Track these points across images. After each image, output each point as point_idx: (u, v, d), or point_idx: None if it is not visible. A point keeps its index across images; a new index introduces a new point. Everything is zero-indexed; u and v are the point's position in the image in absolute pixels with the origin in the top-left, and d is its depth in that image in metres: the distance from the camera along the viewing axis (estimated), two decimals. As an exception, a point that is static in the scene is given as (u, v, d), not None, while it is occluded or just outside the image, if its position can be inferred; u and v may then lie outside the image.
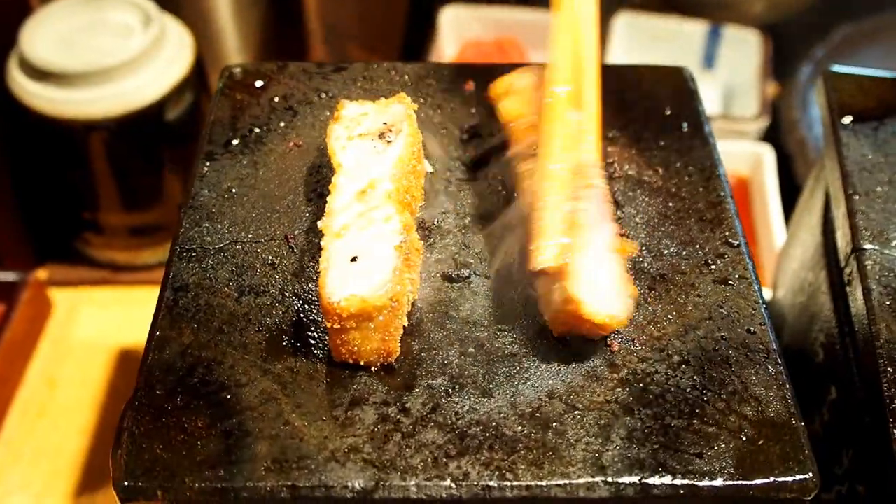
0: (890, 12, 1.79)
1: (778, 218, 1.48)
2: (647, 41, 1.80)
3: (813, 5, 1.82)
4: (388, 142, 0.84)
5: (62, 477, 1.33)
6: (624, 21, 1.81)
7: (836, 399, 0.91)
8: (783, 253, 1.24)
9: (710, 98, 1.78)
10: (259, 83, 1.02)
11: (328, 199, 0.80)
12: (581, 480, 0.68)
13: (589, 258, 0.76)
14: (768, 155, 1.57)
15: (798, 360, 1.03)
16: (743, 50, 1.77)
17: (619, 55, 1.76)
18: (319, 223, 0.79)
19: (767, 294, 1.29)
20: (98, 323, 1.52)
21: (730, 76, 1.79)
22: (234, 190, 0.90)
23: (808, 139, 1.57)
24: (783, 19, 1.83)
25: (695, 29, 1.80)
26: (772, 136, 1.64)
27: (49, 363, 1.46)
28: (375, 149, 0.83)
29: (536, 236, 0.78)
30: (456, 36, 1.84)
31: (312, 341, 0.77)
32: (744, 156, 1.59)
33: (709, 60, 1.80)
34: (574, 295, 0.73)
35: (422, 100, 1.00)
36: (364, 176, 0.81)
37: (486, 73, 0.99)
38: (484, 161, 0.94)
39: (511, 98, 0.92)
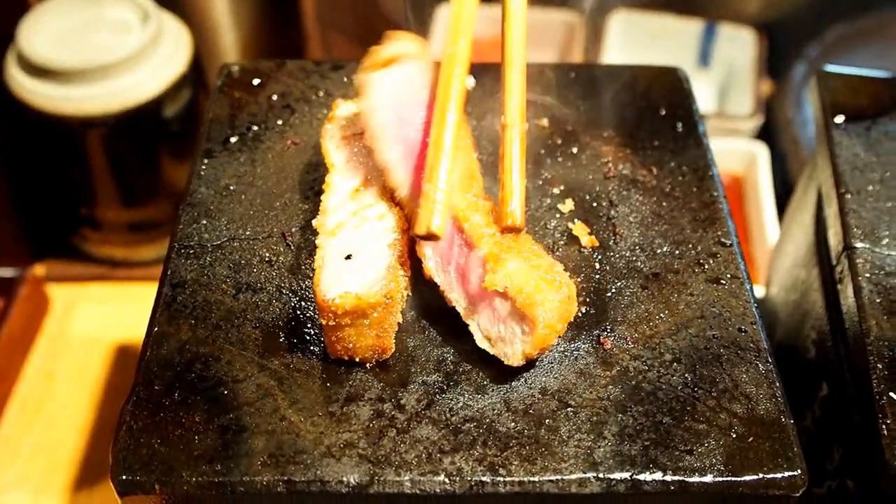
0: (884, 12, 1.79)
1: (771, 216, 1.49)
2: (643, 39, 1.80)
3: (808, 4, 1.83)
4: (382, 140, 0.84)
5: (60, 472, 1.33)
6: (620, 19, 1.81)
7: (828, 395, 0.92)
8: (776, 250, 1.25)
9: (705, 96, 1.79)
10: (257, 81, 1.03)
11: (322, 197, 0.81)
12: (573, 476, 0.69)
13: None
14: (762, 153, 1.58)
15: (790, 356, 1.04)
16: (738, 48, 1.78)
17: (615, 53, 1.76)
18: (314, 221, 0.80)
19: (761, 292, 1.30)
20: (95, 319, 1.53)
21: (725, 74, 1.79)
22: (231, 187, 0.91)
23: (802, 138, 1.58)
24: (778, 18, 1.83)
25: (690, 27, 1.81)
26: (766, 134, 1.64)
27: (47, 359, 1.47)
28: (368, 148, 0.84)
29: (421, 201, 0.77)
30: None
31: (308, 338, 0.78)
32: (738, 154, 1.60)
33: (704, 58, 1.81)
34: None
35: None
36: (357, 174, 0.82)
37: (482, 71, 1.00)
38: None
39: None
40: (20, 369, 1.44)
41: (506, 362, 0.75)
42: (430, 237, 0.75)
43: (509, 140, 0.82)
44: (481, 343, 0.76)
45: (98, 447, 1.36)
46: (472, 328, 0.77)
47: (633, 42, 1.80)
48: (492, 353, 0.75)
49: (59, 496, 1.31)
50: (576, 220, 0.88)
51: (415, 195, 0.79)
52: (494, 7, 0.92)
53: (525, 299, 0.72)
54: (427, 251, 0.79)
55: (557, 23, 1.85)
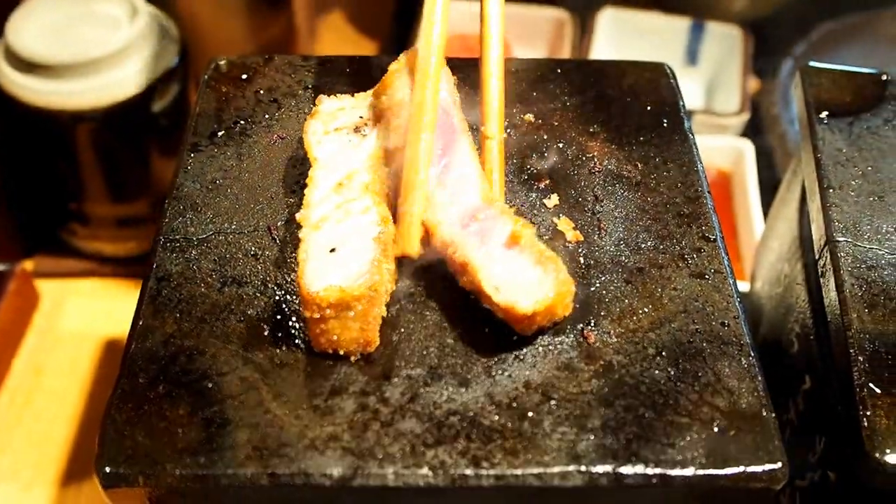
0: (869, 10, 1.81)
1: (758, 211, 1.50)
2: (632, 36, 1.81)
3: (794, 2, 1.84)
4: (364, 135, 0.85)
5: (50, 465, 1.33)
6: (608, 16, 1.82)
7: (810, 388, 0.93)
8: (761, 245, 1.26)
9: (693, 93, 1.79)
10: (244, 75, 1.03)
11: (306, 191, 0.81)
12: (555, 469, 0.70)
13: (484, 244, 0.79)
14: (749, 149, 1.59)
15: (774, 350, 1.04)
16: (725, 46, 1.78)
17: (604, 50, 1.77)
18: (298, 215, 0.80)
19: (746, 286, 1.31)
20: (84, 313, 1.53)
21: (712, 71, 1.80)
22: (218, 181, 0.91)
23: (789, 134, 1.58)
24: (765, 16, 1.84)
25: (678, 24, 1.82)
26: (753, 130, 1.65)
27: (36, 353, 1.47)
28: (351, 142, 0.85)
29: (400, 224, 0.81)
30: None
31: (293, 331, 0.78)
32: (725, 150, 1.61)
33: (692, 56, 1.81)
34: (483, 288, 0.77)
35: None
36: (341, 169, 0.82)
37: (469, 67, 1.00)
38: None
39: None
40: (9, 364, 1.44)
41: (514, 311, 0.75)
42: (406, 257, 0.80)
43: (488, 150, 0.88)
44: (494, 293, 0.77)
45: (87, 441, 1.36)
46: (484, 279, 0.77)
47: (621, 39, 1.81)
48: (501, 304, 0.76)
49: (49, 489, 1.31)
50: (561, 215, 0.88)
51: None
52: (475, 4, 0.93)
53: (549, 252, 0.78)
54: (452, 213, 0.82)
55: (547, 19, 1.85)
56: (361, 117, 0.87)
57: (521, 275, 0.77)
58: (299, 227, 0.79)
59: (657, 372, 0.77)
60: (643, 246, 0.87)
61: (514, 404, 0.74)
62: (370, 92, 0.90)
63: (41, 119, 1.38)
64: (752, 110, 1.66)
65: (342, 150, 0.84)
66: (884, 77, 1.04)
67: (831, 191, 0.92)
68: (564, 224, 0.88)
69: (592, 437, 0.72)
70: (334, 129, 0.86)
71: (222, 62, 1.04)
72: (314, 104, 0.94)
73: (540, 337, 0.78)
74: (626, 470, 0.70)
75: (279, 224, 0.87)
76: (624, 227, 0.89)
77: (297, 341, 0.78)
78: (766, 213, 1.44)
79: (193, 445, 0.70)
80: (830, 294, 0.86)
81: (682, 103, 1.02)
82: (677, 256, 0.86)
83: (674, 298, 0.82)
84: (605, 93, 1.02)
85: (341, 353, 0.76)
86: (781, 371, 1.00)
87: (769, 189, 1.50)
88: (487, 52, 0.91)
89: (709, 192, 0.92)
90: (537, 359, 0.77)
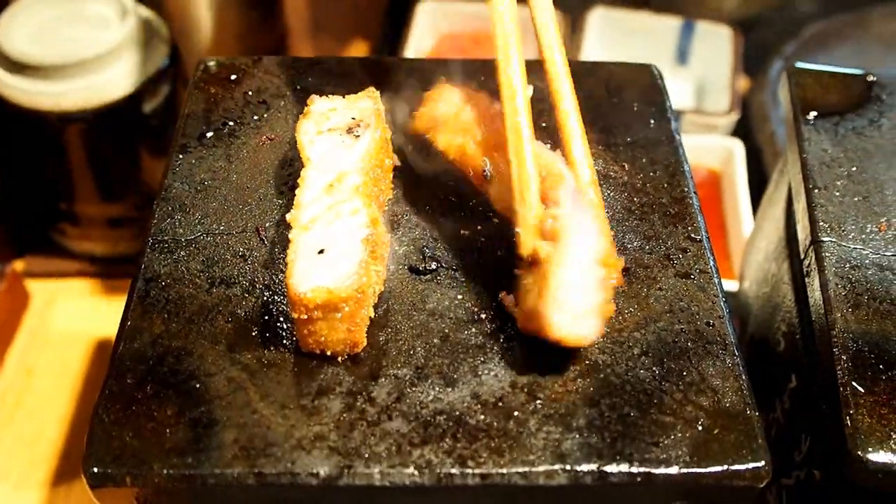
0: (859, 10, 1.81)
1: (747, 211, 1.50)
2: (622, 36, 1.82)
3: (784, 2, 1.84)
4: (356, 136, 0.85)
5: (40, 466, 1.33)
6: (598, 16, 1.83)
7: (796, 387, 0.93)
8: (749, 244, 1.26)
9: (683, 93, 1.80)
10: (233, 76, 1.03)
11: (297, 192, 0.82)
12: (541, 468, 0.70)
13: (569, 268, 0.75)
14: (738, 149, 1.60)
15: (762, 349, 1.05)
16: (715, 45, 1.79)
17: (594, 50, 1.77)
18: (288, 216, 0.80)
19: (734, 285, 1.32)
20: (75, 313, 1.53)
21: (702, 71, 1.81)
22: (206, 182, 0.92)
23: (778, 133, 1.59)
24: (755, 15, 1.85)
25: (668, 24, 1.82)
26: (743, 130, 1.66)
27: (26, 353, 1.47)
28: (343, 143, 0.85)
29: (518, 223, 0.78)
30: (433, 29, 1.85)
31: (281, 332, 0.79)
32: (715, 150, 1.62)
33: (682, 55, 1.82)
34: (542, 310, 0.74)
35: (393, 95, 1.01)
36: (332, 170, 0.83)
37: (460, 69, 1.01)
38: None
39: (442, 132, 0.89)
40: (0, 364, 1.45)
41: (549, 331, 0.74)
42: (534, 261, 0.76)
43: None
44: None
45: (78, 441, 1.37)
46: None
47: (611, 39, 1.82)
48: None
49: (39, 490, 1.31)
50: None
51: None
52: (472, 1, 0.93)
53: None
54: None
55: (537, 19, 1.85)
56: (354, 118, 0.88)
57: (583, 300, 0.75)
58: (289, 227, 0.79)
59: (642, 371, 0.77)
60: (629, 246, 0.87)
61: (500, 404, 0.74)
62: (362, 94, 0.90)
63: (31, 120, 1.38)
64: (742, 110, 1.67)
65: (334, 151, 0.85)
66: (869, 78, 1.05)
67: (817, 191, 0.93)
68: None
69: (577, 436, 0.72)
70: (327, 130, 0.87)
71: (211, 63, 1.05)
72: (303, 105, 0.95)
73: (526, 337, 0.79)
74: (611, 468, 0.71)
75: (267, 225, 0.88)
76: (610, 227, 0.89)
77: (284, 342, 0.78)
78: (755, 213, 1.45)
79: (181, 445, 0.70)
80: (815, 294, 0.86)
81: (669, 104, 1.02)
82: (663, 256, 0.87)
83: (659, 298, 0.83)
84: (592, 93, 1.03)
85: (328, 353, 0.76)
86: (769, 370, 1.01)
87: (758, 189, 1.51)
88: (559, 92, 0.88)
89: (695, 192, 0.93)
90: (523, 359, 0.78)
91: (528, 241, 0.77)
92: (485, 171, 0.85)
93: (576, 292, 0.75)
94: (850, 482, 0.76)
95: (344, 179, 0.83)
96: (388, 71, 1.04)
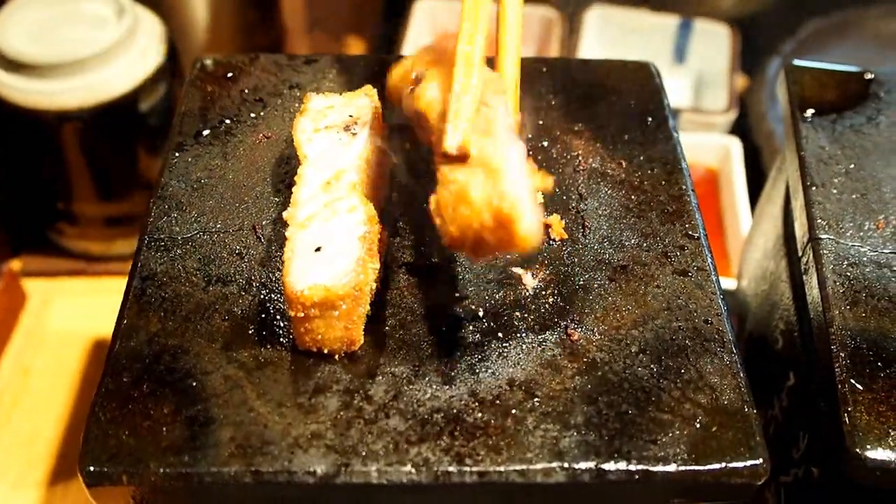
0: (856, 8, 1.81)
1: (745, 209, 1.51)
2: (619, 34, 1.82)
3: (782, 0, 1.84)
4: (354, 134, 0.85)
5: (37, 465, 1.33)
6: (596, 14, 1.83)
7: (795, 385, 0.93)
8: (747, 242, 1.26)
9: (681, 91, 1.80)
10: (230, 74, 1.03)
11: (294, 189, 0.81)
12: (538, 466, 0.70)
13: (516, 164, 0.71)
14: (736, 147, 1.60)
15: (760, 347, 1.05)
16: (713, 44, 1.79)
17: (591, 48, 1.77)
18: (285, 213, 0.80)
19: (733, 283, 1.31)
20: (72, 313, 1.53)
21: (700, 69, 1.81)
22: (203, 180, 0.91)
23: (776, 131, 1.59)
24: (753, 14, 1.85)
25: (666, 23, 1.83)
26: (741, 128, 1.66)
27: (23, 353, 1.47)
28: (341, 141, 0.85)
29: (448, 118, 0.74)
30: (430, 27, 1.85)
31: (278, 330, 0.79)
32: (713, 148, 1.62)
33: (680, 54, 1.82)
34: (508, 191, 0.68)
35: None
36: (329, 167, 0.83)
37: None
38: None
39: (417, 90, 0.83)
40: (-3, 363, 1.45)
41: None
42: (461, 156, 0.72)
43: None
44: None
45: (75, 440, 1.36)
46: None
47: (609, 37, 1.82)
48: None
49: (37, 489, 1.31)
50: (545, 213, 0.89)
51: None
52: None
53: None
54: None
55: (535, 17, 1.85)
56: (351, 116, 0.87)
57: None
58: (285, 225, 0.79)
59: (640, 369, 0.77)
60: (627, 244, 0.87)
61: (498, 401, 0.74)
62: (359, 91, 0.90)
63: (28, 119, 1.38)
64: (740, 108, 1.67)
65: (332, 148, 0.84)
66: (867, 75, 1.05)
67: (814, 188, 0.92)
68: (553, 220, 0.88)
69: (575, 434, 0.72)
70: (324, 127, 0.86)
71: (208, 61, 1.05)
72: (299, 103, 0.94)
73: (524, 334, 0.79)
74: (609, 466, 0.70)
75: (264, 223, 0.87)
76: (608, 224, 0.89)
77: (281, 340, 0.78)
78: (753, 211, 1.45)
79: (177, 444, 0.70)
80: (813, 291, 0.86)
81: (666, 102, 1.02)
82: (661, 254, 0.86)
83: (657, 296, 0.83)
84: (590, 91, 1.03)
85: (325, 351, 0.76)
86: (767, 367, 1.01)
87: (756, 186, 1.51)
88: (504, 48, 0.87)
89: (692, 190, 0.93)
90: (521, 356, 0.77)
91: (457, 134, 0.72)
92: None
93: (527, 191, 0.71)
94: (849, 479, 0.76)
95: (341, 177, 0.82)
96: (385, 69, 1.04)
